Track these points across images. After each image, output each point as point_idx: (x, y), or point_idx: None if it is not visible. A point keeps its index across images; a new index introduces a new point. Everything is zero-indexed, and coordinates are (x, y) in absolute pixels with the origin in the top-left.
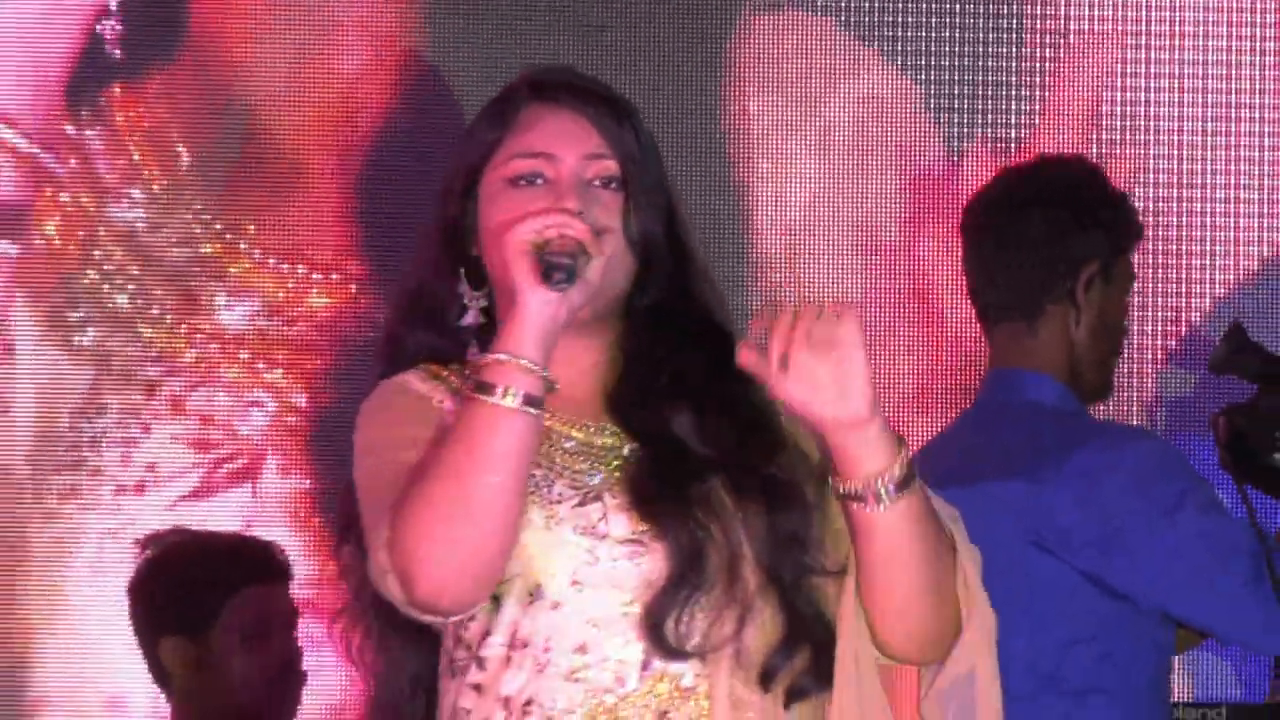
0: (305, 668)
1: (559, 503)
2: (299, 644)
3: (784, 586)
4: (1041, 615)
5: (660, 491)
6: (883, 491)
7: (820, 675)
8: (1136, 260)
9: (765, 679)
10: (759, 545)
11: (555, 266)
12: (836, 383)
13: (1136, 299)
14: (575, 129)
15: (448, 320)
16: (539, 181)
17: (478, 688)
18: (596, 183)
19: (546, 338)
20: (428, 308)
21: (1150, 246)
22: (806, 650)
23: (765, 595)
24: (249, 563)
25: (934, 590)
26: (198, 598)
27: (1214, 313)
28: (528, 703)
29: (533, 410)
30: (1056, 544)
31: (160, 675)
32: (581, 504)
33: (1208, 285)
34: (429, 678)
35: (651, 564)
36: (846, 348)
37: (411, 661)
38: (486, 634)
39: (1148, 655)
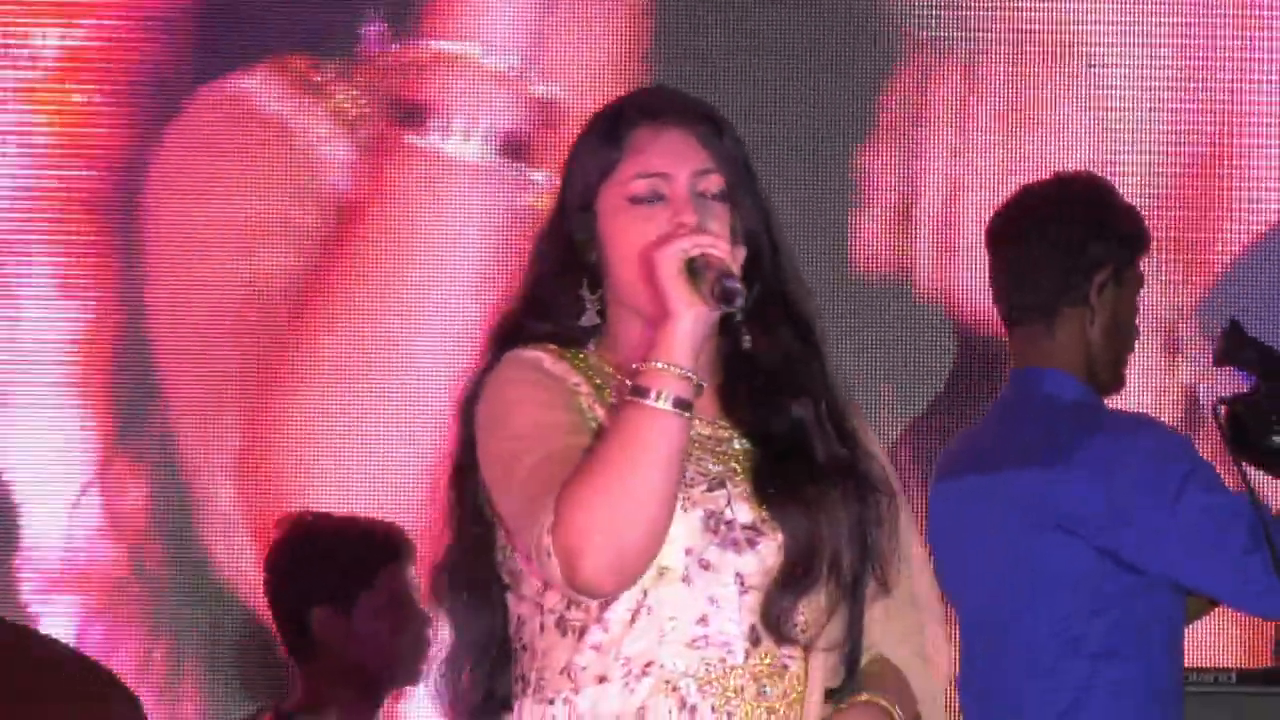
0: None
1: (691, 486)
2: (427, 612)
3: (855, 593)
4: (1063, 590)
5: (781, 484)
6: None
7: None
8: (1146, 266)
9: (848, 671)
10: (853, 549)
11: (734, 292)
12: None
13: (1146, 300)
14: (684, 148)
15: (564, 316)
16: (657, 199)
17: (598, 647)
18: (707, 196)
19: (697, 348)
20: (548, 304)
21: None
22: (848, 648)
23: (843, 597)
24: (385, 543)
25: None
26: (345, 574)
27: (1213, 309)
28: (648, 664)
29: (684, 412)
30: (1075, 525)
31: (303, 642)
32: (709, 490)
33: (1209, 284)
34: (497, 641)
35: (769, 551)
36: None
37: (483, 624)
38: (611, 600)
39: (1161, 621)
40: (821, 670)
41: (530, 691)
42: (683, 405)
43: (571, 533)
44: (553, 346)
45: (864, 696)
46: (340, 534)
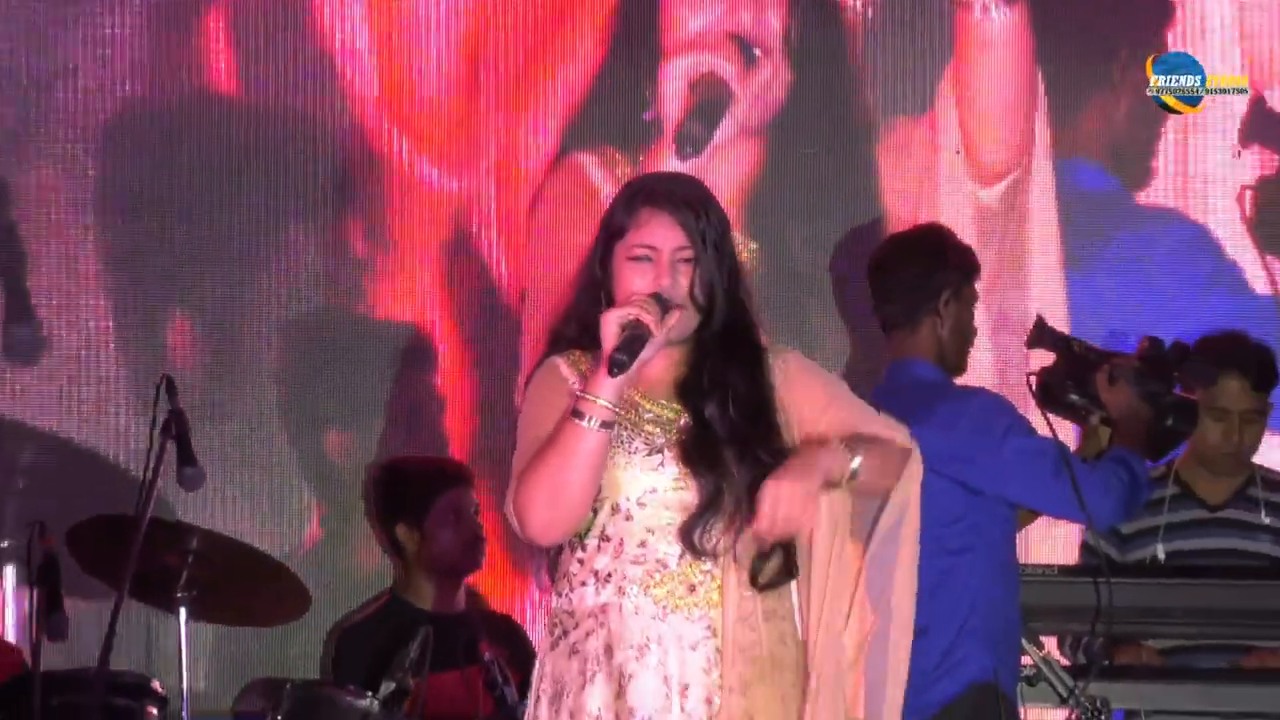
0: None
1: (635, 453)
2: (482, 526)
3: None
4: (932, 509)
5: (698, 453)
6: (843, 482)
7: (788, 573)
8: (980, 285)
9: (751, 578)
10: (750, 491)
11: (615, 362)
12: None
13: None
14: (670, 231)
15: (589, 328)
16: (648, 260)
17: (580, 561)
18: (681, 263)
19: (622, 389)
20: (578, 320)
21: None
22: (778, 557)
23: (751, 522)
24: (445, 475)
25: (886, 477)
26: (418, 497)
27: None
28: (609, 575)
29: (606, 430)
30: (935, 464)
31: (395, 547)
32: (649, 454)
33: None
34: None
35: (689, 496)
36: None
37: None
38: (587, 531)
39: (999, 527)
40: (737, 575)
41: (554, 585)
42: (606, 426)
43: (520, 505)
44: (576, 353)
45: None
46: (411, 470)
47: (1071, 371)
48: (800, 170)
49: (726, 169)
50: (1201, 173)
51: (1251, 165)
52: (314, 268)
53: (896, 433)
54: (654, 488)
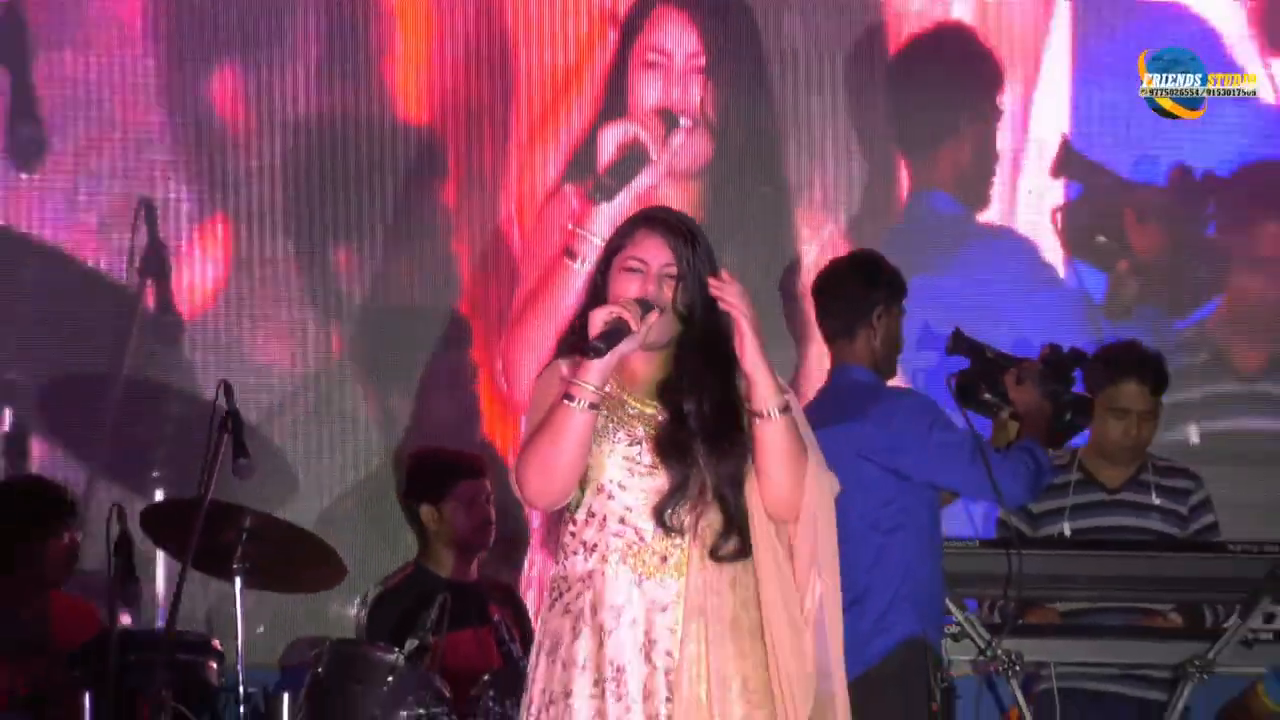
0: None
1: (618, 443)
2: (493, 510)
3: (726, 502)
4: (868, 492)
5: (669, 445)
6: (769, 411)
7: (743, 551)
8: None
9: (711, 552)
10: (715, 478)
11: (591, 348)
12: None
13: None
14: (659, 248)
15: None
16: (639, 271)
17: (572, 534)
18: (666, 278)
19: (604, 374)
20: (580, 327)
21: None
22: (735, 537)
23: (714, 505)
24: (465, 465)
25: (794, 474)
26: (439, 483)
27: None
28: (595, 545)
29: (592, 411)
30: (871, 454)
31: (418, 526)
32: (630, 445)
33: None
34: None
35: (661, 481)
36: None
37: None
38: (578, 506)
39: (925, 508)
40: (700, 549)
41: (555, 554)
42: (593, 407)
43: (519, 475)
44: (577, 356)
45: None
46: (434, 458)
47: (984, 374)
48: (723, 212)
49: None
50: (1024, 198)
51: (1062, 191)
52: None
53: (812, 449)
54: (631, 472)
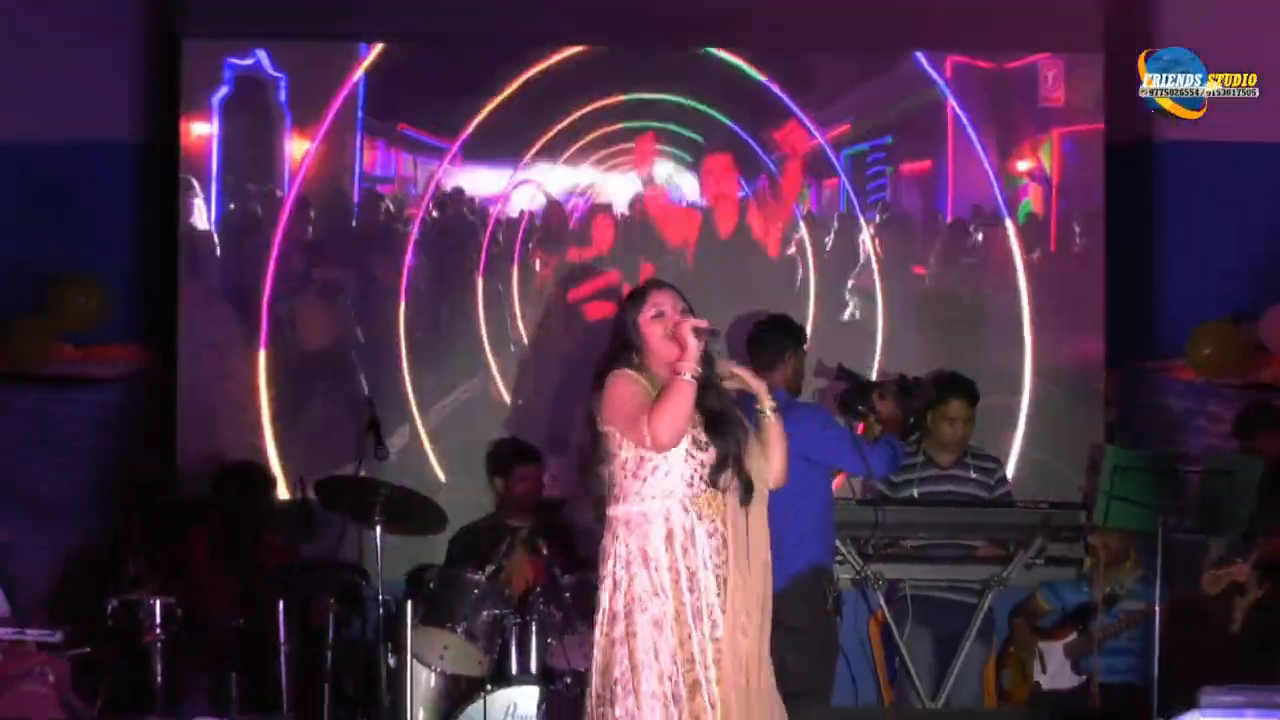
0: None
1: (693, 426)
2: (542, 484)
3: (743, 470)
4: (792, 473)
5: (715, 427)
6: (768, 412)
7: (749, 497)
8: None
9: (741, 500)
10: (739, 453)
11: (708, 332)
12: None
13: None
14: (672, 298)
15: (635, 353)
16: (662, 315)
17: (644, 482)
18: (683, 314)
19: (702, 362)
20: (626, 355)
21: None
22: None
23: (740, 470)
24: (522, 451)
25: (780, 454)
26: (502, 463)
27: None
28: (669, 493)
29: (696, 381)
30: (795, 450)
31: (495, 495)
32: (692, 427)
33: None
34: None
35: (711, 454)
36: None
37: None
38: (656, 467)
39: (822, 479)
40: (735, 498)
41: (621, 500)
42: (696, 378)
43: (656, 428)
44: (629, 370)
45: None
46: (503, 447)
47: (859, 393)
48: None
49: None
50: (772, 230)
51: (802, 225)
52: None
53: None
54: (695, 448)
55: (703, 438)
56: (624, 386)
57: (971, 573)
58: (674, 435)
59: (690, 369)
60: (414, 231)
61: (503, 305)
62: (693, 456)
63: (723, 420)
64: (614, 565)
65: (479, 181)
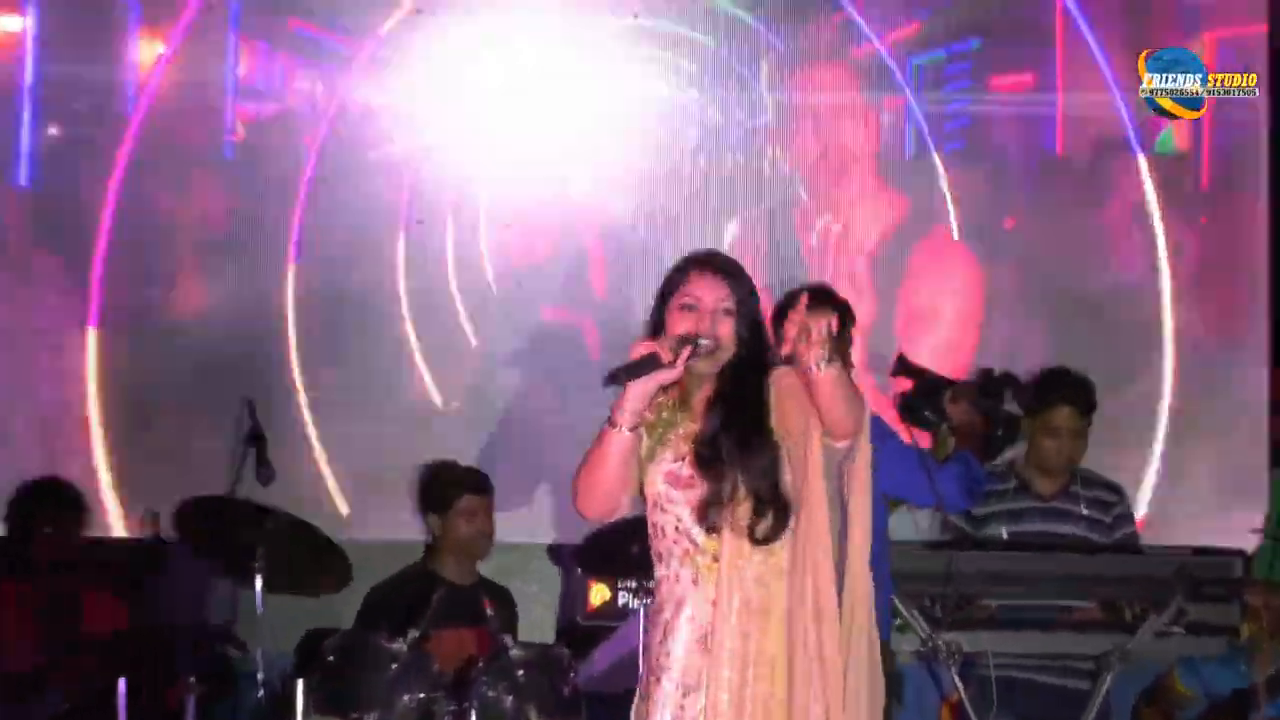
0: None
1: (662, 461)
2: (493, 523)
3: (759, 491)
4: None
5: (702, 457)
6: (814, 367)
7: (779, 529)
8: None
9: (750, 533)
10: (747, 474)
11: (613, 374)
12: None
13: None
14: (713, 285)
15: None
16: (695, 308)
17: (650, 547)
18: (722, 312)
19: (638, 401)
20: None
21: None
22: (770, 516)
23: (745, 500)
24: (468, 482)
25: (849, 408)
26: (443, 496)
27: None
28: (661, 554)
29: (630, 433)
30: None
31: (428, 531)
32: (673, 461)
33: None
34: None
35: (699, 490)
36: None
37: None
38: (645, 522)
39: (877, 516)
40: (736, 545)
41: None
42: (632, 429)
43: (572, 489)
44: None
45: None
46: (442, 475)
47: (925, 394)
48: None
49: None
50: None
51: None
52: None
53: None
54: (675, 485)
55: (686, 470)
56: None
57: (1081, 644)
58: (586, 503)
59: (619, 415)
60: (308, 168)
61: (434, 273)
62: (671, 500)
63: (715, 440)
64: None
65: (396, 101)
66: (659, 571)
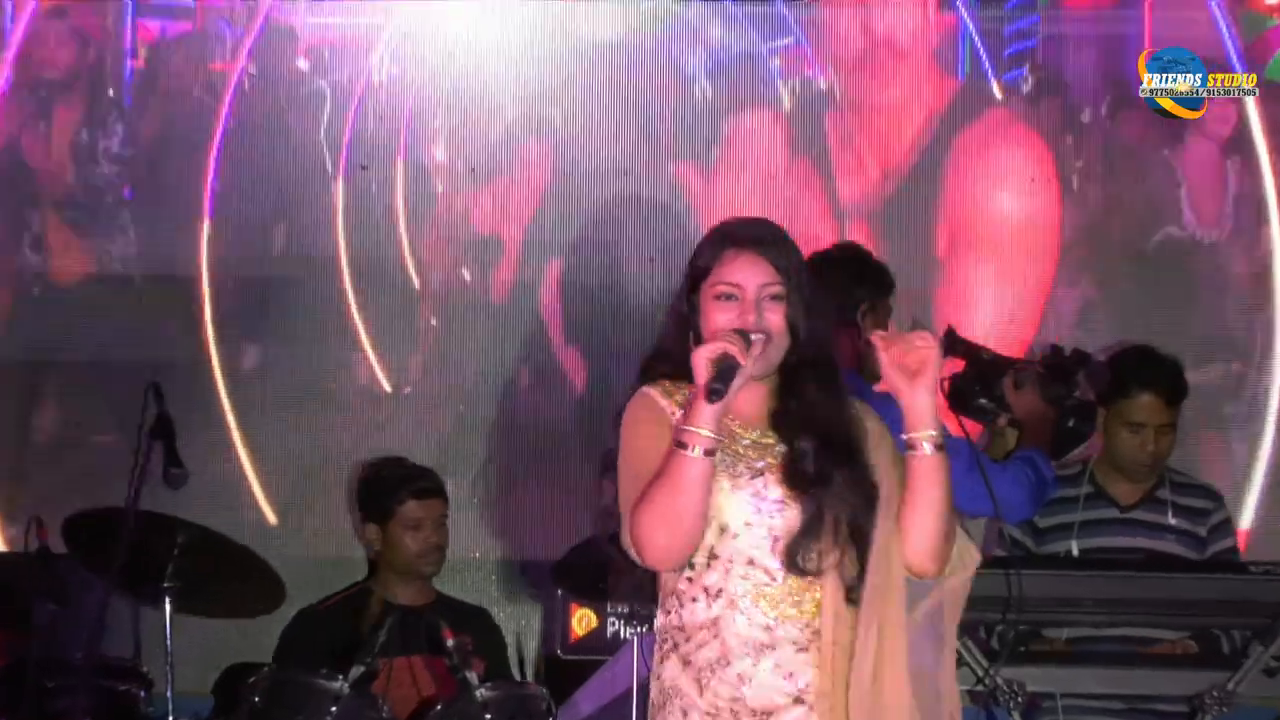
0: (454, 548)
1: (739, 476)
2: (446, 533)
3: (863, 535)
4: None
5: (800, 477)
6: (924, 445)
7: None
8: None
9: (848, 593)
10: (850, 509)
11: (712, 391)
12: (916, 378)
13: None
14: (755, 267)
15: (679, 360)
16: (733, 298)
17: (690, 579)
18: (768, 299)
19: (717, 417)
20: (670, 352)
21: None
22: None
23: (849, 544)
24: (415, 484)
25: (941, 528)
26: (385, 502)
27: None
28: (719, 591)
29: (709, 456)
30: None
31: (366, 544)
32: (752, 478)
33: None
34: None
35: (791, 516)
36: (928, 363)
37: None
38: (695, 550)
39: None
40: (837, 594)
41: (661, 603)
42: (709, 453)
43: (638, 537)
44: (666, 383)
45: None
46: (382, 475)
47: (980, 378)
48: None
49: None
50: None
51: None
52: None
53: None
54: (758, 509)
55: (774, 491)
56: (631, 426)
57: (1170, 684)
58: (669, 547)
59: (697, 438)
60: (224, 105)
61: (381, 232)
62: (749, 525)
63: (809, 459)
64: (650, 711)
65: (333, 20)
66: (699, 612)
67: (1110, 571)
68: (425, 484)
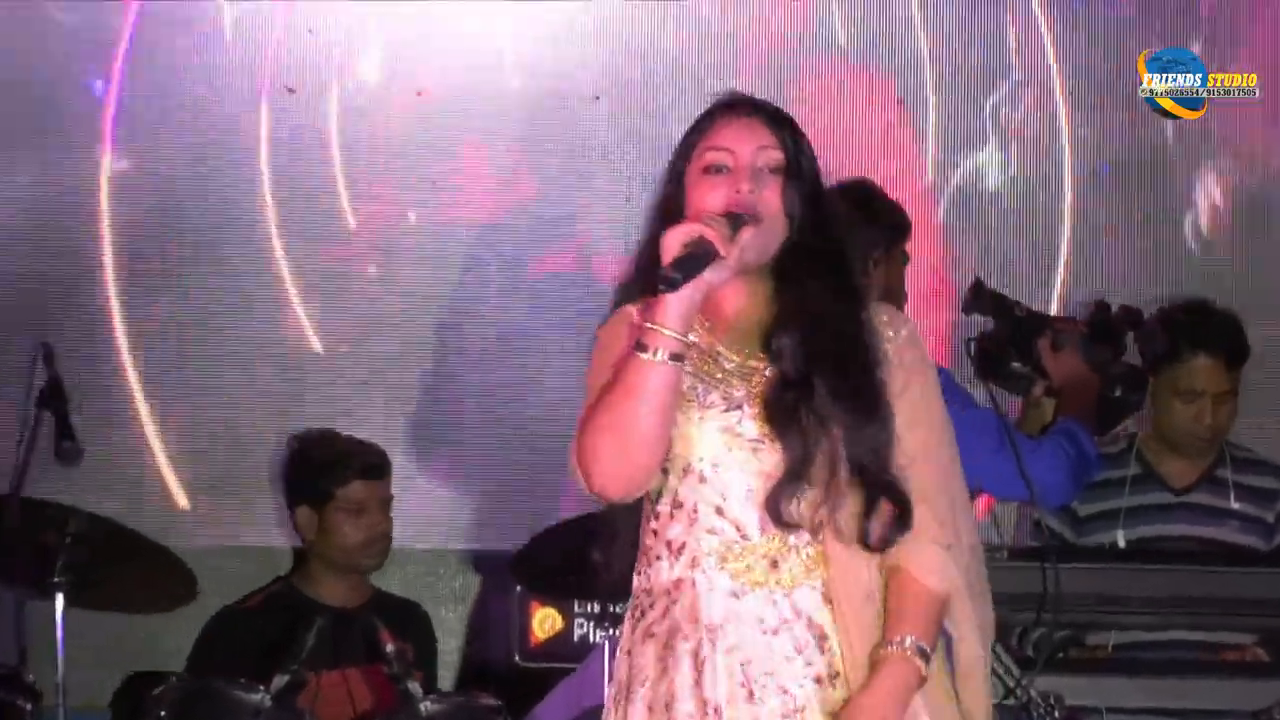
0: (394, 537)
1: (710, 408)
2: (391, 520)
3: (867, 477)
4: None
5: (783, 410)
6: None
7: (903, 526)
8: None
9: (863, 542)
10: (850, 448)
11: (664, 279)
12: None
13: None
14: (750, 130)
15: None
16: (724, 169)
17: (654, 532)
18: (765, 169)
19: (687, 314)
20: (650, 255)
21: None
22: (887, 511)
23: (853, 484)
24: (358, 461)
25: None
26: (322, 482)
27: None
28: (682, 546)
29: (674, 363)
30: None
31: (296, 530)
32: (726, 410)
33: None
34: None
35: (770, 458)
36: None
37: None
38: (659, 496)
39: None
40: (842, 548)
41: (639, 558)
42: (676, 358)
43: (583, 455)
44: (646, 300)
45: (887, 649)
46: (320, 451)
47: (1013, 337)
48: None
49: None
50: None
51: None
52: None
53: (945, 530)
54: (729, 447)
55: (751, 427)
56: (602, 349)
57: (1233, 695)
58: (613, 472)
59: (657, 338)
60: (129, 10)
61: (313, 166)
62: (717, 467)
63: (800, 386)
64: (609, 695)
65: None
66: (663, 571)
67: (1162, 565)
68: (370, 459)
